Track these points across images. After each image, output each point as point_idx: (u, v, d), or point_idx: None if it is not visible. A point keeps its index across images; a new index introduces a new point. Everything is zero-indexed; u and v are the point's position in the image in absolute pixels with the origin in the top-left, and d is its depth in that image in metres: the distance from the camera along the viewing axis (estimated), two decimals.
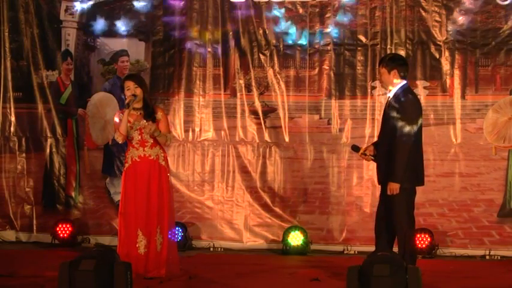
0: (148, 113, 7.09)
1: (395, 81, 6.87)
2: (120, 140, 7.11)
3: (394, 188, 6.77)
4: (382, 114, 7.13)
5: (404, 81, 6.91)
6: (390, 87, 6.93)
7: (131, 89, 7.04)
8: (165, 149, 7.30)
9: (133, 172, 7.08)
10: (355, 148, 7.21)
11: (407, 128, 6.73)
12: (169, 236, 7.18)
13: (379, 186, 8.98)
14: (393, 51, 8.96)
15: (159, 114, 7.16)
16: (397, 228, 6.86)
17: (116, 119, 7.14)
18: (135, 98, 7.01)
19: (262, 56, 9.30)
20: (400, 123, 6.74)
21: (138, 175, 7.06)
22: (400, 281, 5.61)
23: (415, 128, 6.75)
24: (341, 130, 9.04)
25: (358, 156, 8.85)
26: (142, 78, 7.38)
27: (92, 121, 9.50)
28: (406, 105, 6.79)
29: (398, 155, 6.73)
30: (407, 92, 6.88)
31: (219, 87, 9.39)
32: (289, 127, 9.17)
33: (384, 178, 6.90)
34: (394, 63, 6.91)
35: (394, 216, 6.85)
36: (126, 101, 7.01)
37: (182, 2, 9.41)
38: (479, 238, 8.79)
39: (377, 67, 7.57)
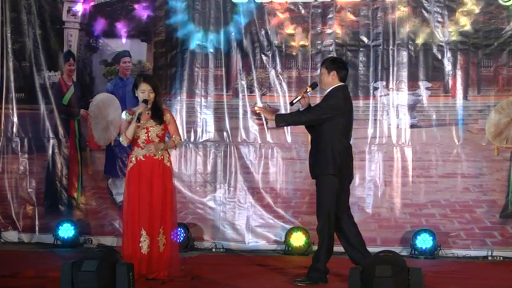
0: (157, 115, 7.09)
1: (333, 82, 7.09)
2: (125, 144, 7.15)
3: (269, 117, 7.28)
4: None
5: (341, 84, 7.12)
6: (326, 88, 7.15)
7: (146, 92, 7.03)
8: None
9: (138, 171, 7.06)
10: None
11: (317, 110, 7.04)
12: (172, 237, 7.18)
13: (381, 187, 9.02)
14: (395, 52, 8.99)
15: (167, 116, 7.18)
16: (317, 218, 7.03)
17: (123, 116, 7.10)
18: (147, 105, 6.99)
19: (264, 57, 9.30)
20: (316, 105, 7.13)
21: (143, 174, 7.05)
22: (402, 281, 5.60)
23: (325, 112, 6.97)
24: None
25: (359, 157, 8.92)
26: (158, 82, 7.31)
27: (94, 122, 9.51)
28: (330, 96, 7.07)
29: (297, 116, 7.16)
30: (339, 90, 7.09)
31: (221, 88, 9.39)
32: (291, 128, 9.16)
33: (311, 172, 7.13)
34: (335, 65, 7.15)
35: (317, 201, 7.05)
36: (139, 111, 6.94)
37: (184, 3, 9.43)
38: (481, 239, 8.80)
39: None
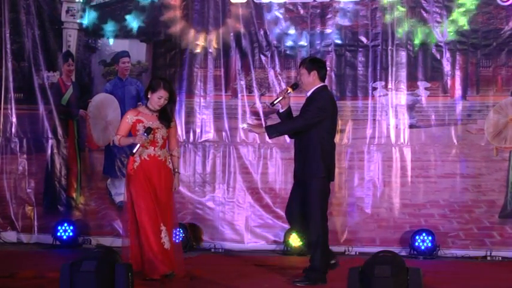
0: (166, 119, 7.10)
1: (314, 82, 7.04)
2: (116, 143, 7.24)
3: (259, 131, 7.32)
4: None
5: (323, 84, 7.08)
6: (308, 88, 7.08)
7: (162, 99, 7.03)
8: None
9: (143, 170, 7.05)
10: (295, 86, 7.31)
11: (308, 114, 6.94)
12: (174, 238, 7.19)
13: (380, 187, 9.01)
14: (394, 52, 8.99)
15: (173, 124, 7.23)
16: (310, 220, 6.96)
17: (128, 120, 7.10)
18: (147, 138, 6.98)
19: (263, 57, 9.30)
20: (306, 108, 6.99)
21: (147, 174, 7.05)
22: (402, 282, 5.60)
23: (317, 116, 6.91)
24: (342, 131, 9.02)
25: (358, 157, 8.92)
26: (175, 92, 7.43)
27: (93, 122, 9.51)
28: (317, 97, 6.99)
29: (289, 124, 7.07)
30: (323, 90, 7.06)
31: (220, 88, 9.39)
32: None
33: (300, 174, 7.07)
34: (314, 65, 7.09)
35: (308, 207, 6.95)
36: (138, 143, 6.93)
37: (183, 3, 9.43)
38: (480, 239, 8.80)
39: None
